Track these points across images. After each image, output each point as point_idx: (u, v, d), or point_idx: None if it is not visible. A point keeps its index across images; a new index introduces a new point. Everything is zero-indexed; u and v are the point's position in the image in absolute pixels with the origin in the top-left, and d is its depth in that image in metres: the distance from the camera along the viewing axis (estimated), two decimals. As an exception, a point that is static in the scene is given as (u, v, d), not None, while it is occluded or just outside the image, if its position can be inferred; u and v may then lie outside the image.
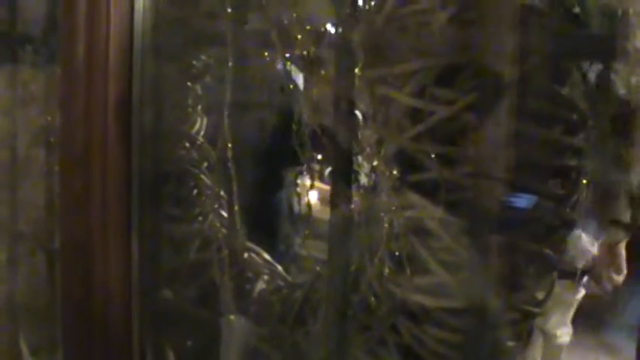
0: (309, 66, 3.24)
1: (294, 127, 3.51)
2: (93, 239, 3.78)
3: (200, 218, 4.51)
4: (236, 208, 4.32)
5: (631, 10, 2.65)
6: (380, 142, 2.91)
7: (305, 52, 3.25)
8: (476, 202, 2.70)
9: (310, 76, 3.30)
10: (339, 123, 3.00)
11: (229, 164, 4.23)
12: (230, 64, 4.15)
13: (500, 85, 2.63)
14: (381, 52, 2.84)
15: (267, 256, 4.48)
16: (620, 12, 2.70)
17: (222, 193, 4.49)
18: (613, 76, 2.87)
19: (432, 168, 2.71)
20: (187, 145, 4.63)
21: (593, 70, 2.93)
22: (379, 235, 2.93)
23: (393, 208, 2.85)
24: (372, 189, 3.00)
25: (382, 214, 2.96)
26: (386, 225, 2.88)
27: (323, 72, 3.22)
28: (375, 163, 2.89)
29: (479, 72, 2.62)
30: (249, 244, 4.41)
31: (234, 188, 4.29)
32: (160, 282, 4.20)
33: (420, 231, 2.77)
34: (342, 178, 3.09)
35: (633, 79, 2.81)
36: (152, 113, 4.04)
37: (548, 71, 2.74)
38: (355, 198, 3.02)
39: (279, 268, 4.42)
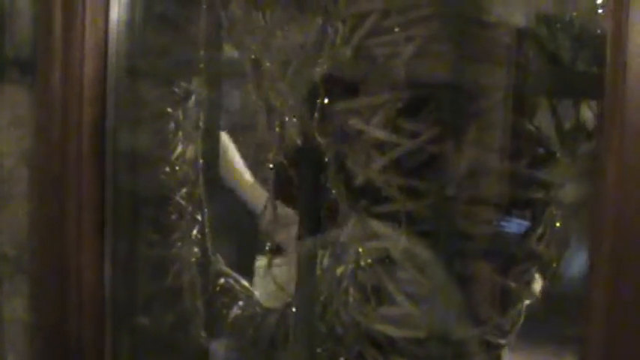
0: (275, 97, 3.17)
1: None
2: (68, 264, 3.77)
3: (178, 244, 4.49)
4: (211, 233, 4.34)
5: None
6: (345, 173, 2.91)
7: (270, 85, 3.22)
8: (439, 234, 2.71)
9: (273, 109, 3.23)
10: (306, 154, 3.02)
11: (205, 190, 4.24)
12: (208, 91, 4.16)
13: (465, 118, 2.63)
14: (348, 84, 2.82)
15: (243, 282, 4.49)
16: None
17: (199, 218, 4.48)
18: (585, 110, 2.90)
19: (397, 199, 2.71)
20: (167, 170, 4.60)
21: (563, 104, 2.97)
22: (346, 264, 2.93)
23: (359, 238, 2.86)
24: (338, 218, 2.95)
25: (348, 243, 2.97)
26: (352, 254, 2.88)
27: (288, 103, 3.15)
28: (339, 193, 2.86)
29: (442, 105, 2.63)
30: (226, 269, 4.41)
31: (210, 214, 4.31)
32: (135, 307, 4.19)
33: (384, 261, 2.77)
34: (309, 209, 3.11)
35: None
36: (130, 138, 4.04)
37: (516, 105, 2.74)
38: (321, 227, 3.01)
39: (256, 293, 4.42)
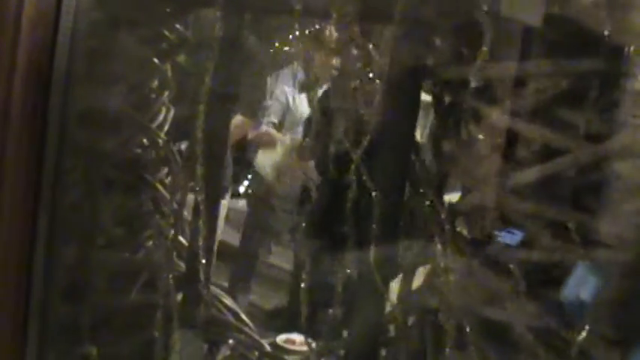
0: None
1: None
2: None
3: (149, 244, 3.27)
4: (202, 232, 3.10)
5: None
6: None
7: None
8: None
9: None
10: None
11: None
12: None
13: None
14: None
15: (235, 307, 3.27)
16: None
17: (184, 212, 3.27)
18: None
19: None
20: (145, 142, 3.38)
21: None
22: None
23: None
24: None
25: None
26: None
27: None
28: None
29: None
30: (222, 295, 3.23)
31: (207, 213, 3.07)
32: (80, 332, 2.97)
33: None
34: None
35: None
36: (90, 95, 2.85)
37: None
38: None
39: (251, 326, 3.20)
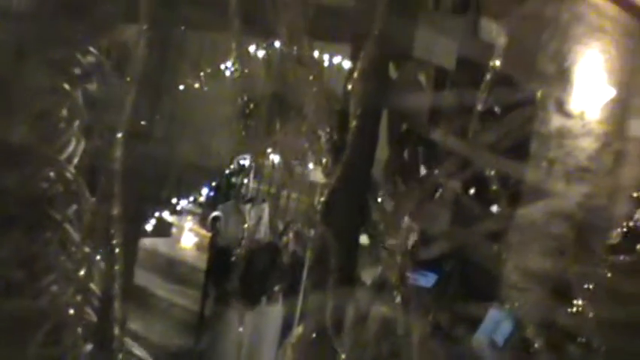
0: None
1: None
2: None
3: (53, 289, 2.94)
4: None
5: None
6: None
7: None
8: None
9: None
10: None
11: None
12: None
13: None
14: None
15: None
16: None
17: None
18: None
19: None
20: (51, 175, 3.05)
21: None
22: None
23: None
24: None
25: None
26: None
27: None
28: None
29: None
30: (131, 344, 2.92)
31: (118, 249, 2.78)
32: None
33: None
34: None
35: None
36: None
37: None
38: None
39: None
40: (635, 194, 4.72)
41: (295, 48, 2.38)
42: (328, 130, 2.38)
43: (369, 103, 2.42)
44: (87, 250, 2.94)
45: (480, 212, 3.18)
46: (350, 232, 2.56)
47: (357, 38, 2.51)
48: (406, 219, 2.71)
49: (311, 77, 2.37)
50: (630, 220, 4.47)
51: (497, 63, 3.02)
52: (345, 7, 2.67)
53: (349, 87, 2.37)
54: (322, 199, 2.39)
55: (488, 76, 2.95)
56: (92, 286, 3.02)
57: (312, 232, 2.74)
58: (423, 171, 3.00)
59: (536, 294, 3.60)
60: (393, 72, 2.77)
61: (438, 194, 3.03)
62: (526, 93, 3.41)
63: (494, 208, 3.18)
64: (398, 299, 2.68)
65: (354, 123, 2.33)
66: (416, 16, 2.89)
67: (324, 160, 2.35)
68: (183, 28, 3.30)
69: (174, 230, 7.40)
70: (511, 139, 3.27)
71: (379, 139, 2.62)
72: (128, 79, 2.89)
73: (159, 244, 6.91)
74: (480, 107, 2.91)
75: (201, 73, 6.56)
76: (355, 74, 2.39)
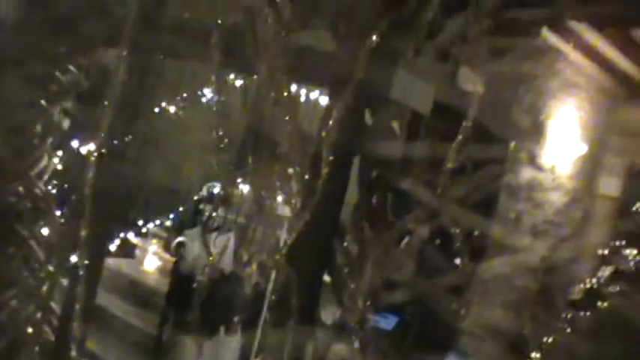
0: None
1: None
2: None
3: (13, 305, 2.90)
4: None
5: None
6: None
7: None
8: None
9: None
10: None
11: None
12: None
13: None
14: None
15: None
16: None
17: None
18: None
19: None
20: (20, 190, 3.03)
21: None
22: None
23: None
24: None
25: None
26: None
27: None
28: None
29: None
30: None
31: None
32: None
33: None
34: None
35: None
36: None
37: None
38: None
39: None
40: (600, 252, 4.76)
41: (273, 87, 2.37)
42: (299, 171, 2.38)
43: (343, 149, 2.42)
44: (51, 268, 2.91)
45: (443, 264, 3.18)
46: (314, 273, 2.55)
47: (336, 82, 2.52)
48: (370, 265, 2.71)
49: (287, 117, 2.37)
50: (594, 277, 4.49)
51: (473, 114, 2.95)
52: (326, 50, 2.69)
53: (324, 133, 2.37)
54: (288, 240, 2.40)
55: (461, 135, 2.91)
56: (53, 304, 2.98)
57: (276, 270, 2.73)
58: (391, 218, 3.03)
59: (494, 346, 3.62)
60: (368, 117, 2.78)
61: (404, 242, 3.06)
62: (499, 148, 3.44)
63: (458, 261, 3.20)
64: (357, 341, 2.63)
65: (326, 170, 2.32)
66: (396, 60, 2.91)
67: (293, 201, 2.35)
68: (162, 56, 3.28)
69: (138, 252, 7.35)
70: (480, 194, 3.27)
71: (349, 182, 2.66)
72: (105, 100, 2.88)
73: (122, 264, 6.84)
74: (451, 164, 2.87)
75: (178, 98, 6.56)
76: (331, 121, 2.38)
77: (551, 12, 3.55)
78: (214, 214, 5.55)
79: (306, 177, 2.34)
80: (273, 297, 2.83)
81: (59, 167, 3.40)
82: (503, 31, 3.22)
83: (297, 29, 2.62)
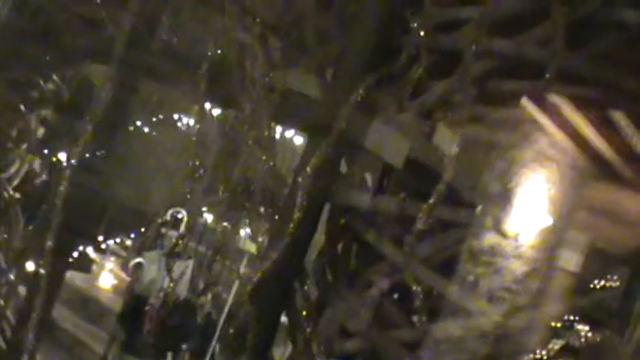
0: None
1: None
2: None
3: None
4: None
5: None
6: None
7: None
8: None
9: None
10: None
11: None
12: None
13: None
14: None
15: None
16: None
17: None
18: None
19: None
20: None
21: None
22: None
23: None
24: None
25: None
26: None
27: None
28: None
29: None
30: None
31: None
32: None
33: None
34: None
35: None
36: None
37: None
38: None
39: None
40: (553, 324, 4.78)
41: (255, 125, 2.39)
42: (270, 212, 2.38)
43: (317, 195, 2.44)
44: (11, 276, 2.87)
45: (399, 319, 3.17)
46: (273, 312, 2.54)
47: (316, 128, 2.54)
48: (328, 311, 2.70)
49: (264, 157, 2.38)
50: (544, 349, 4.51)
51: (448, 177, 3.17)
52: (310, 95, 2.71)
53: (300, 179, 2.38)
54: (250, 275, 2.40)
55: (434, 197, 3.12)
56: (8, 313, 2.95)
57: (238, 305, 2.72)
58: (353, 268, 3.03)
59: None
60: (343, 166, 2.80)
61: (363, 293, 3.07)
62: (467, 211, 3.53)
63: (414, 318, 3.21)
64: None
65: (298, 214, 2.33)
66: (376, 112, 2.93)
67: (260, 239, 2.34)
68: (147, 77, 3.29)
69: (94, 267, 7.29)
70: (444, 255, 3.36)
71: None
72: (83, 113, 2.88)
73: (76, 278, 6.77)
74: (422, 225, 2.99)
75: (154, 119, 6.55)
76: (309, 168, 2.39)
77: (534, 85, 3.61)
78: (175, 239, 5.53)
79: (276, 217, 2.34)
80: (226, 329, 2.81)
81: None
82: (484, 99, 3.28)
83: (284, 69, 2.64)
